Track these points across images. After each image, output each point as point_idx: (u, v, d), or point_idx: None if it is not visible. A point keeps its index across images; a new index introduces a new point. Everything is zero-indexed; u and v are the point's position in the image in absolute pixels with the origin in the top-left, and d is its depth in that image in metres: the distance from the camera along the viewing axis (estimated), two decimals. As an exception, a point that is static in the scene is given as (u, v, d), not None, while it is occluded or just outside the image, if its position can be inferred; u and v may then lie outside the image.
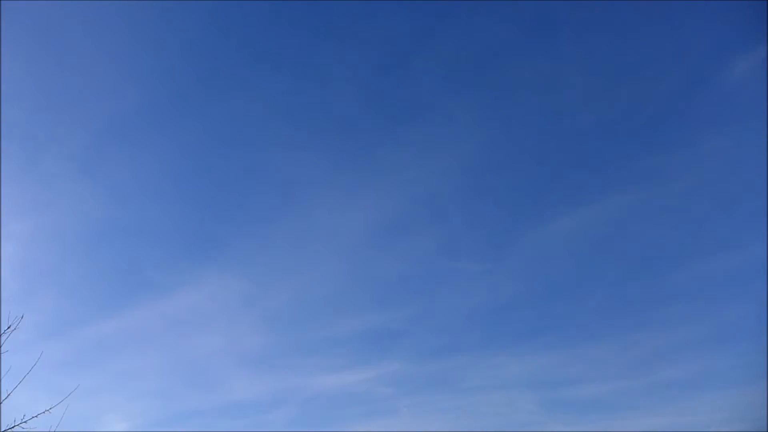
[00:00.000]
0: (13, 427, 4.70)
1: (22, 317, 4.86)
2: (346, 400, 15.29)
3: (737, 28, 14.66)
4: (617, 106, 15.52)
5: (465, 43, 16.63)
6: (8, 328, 4.79)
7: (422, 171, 17.52)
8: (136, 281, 16.65)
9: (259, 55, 17.94)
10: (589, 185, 15.67)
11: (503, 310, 16.44)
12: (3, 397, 4.51)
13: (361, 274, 17.18)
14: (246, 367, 16.40)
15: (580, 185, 15.87)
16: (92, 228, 16.54)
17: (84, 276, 17.11)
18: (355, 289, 17.14)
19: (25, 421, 4.69)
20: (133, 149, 17.71)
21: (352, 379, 16.05)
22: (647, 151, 14.99)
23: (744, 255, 13.04)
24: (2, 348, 4.73)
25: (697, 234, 14.29)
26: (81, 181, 17.00)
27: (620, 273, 15.17)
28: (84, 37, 16.00)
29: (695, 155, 14.22)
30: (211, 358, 16.64)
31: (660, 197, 14.87)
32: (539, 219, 16.09)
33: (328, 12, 17.18)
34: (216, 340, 16.89)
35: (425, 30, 16.93)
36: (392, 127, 17.68)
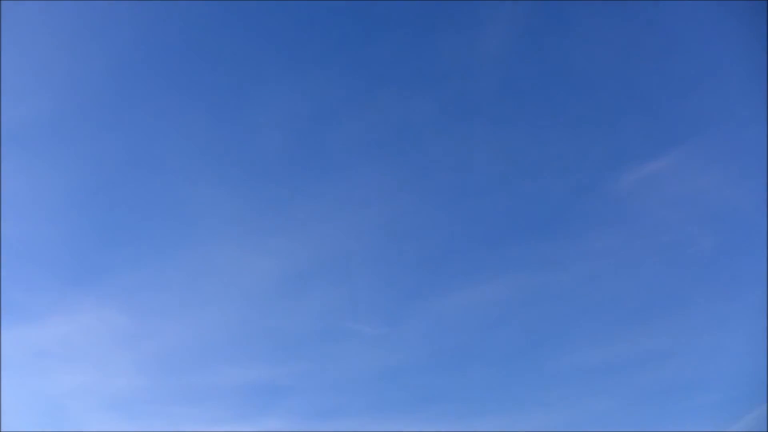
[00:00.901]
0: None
1: None
2: (217, 456, 14.47)
3: (634, 139, 15.43)
4: (522, 195, 16.21)
5: (393, 114, 16.94)
6: None
7: (335, 227, 17.20)
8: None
9: (189, 83, 17.38)
10: (490, 264, 16.04)
11: (395, 377, 16.10)
12: None
13: (257, 324, 16.46)
14: (113, 410, 15.20)
15: (482, 263, 16.18)
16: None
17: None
18: (249, 339, 16.35)
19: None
20: (30, 156, 16.60)
21: (227, 435, 15.16)
22: (546, 238, 15.70)
23: (620, 349, 13.98)
24: None
25: (584, 323, 14.91)
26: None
27: (511, 351, 15.41)
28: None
29: (589, 248, 14.92)
30: (74, 396, 15.37)
31: (554, 283, 15.47)
32: (440, 290, 16.11)
33: (265, 53, 16.99)
34: (82, 378, 15.65)
35: (359, 93, 17.07)
36: (313, 179, 17.38)
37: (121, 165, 16.62)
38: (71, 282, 16.12)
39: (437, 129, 16.73)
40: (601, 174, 15.75)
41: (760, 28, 12.63)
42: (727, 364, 13.05)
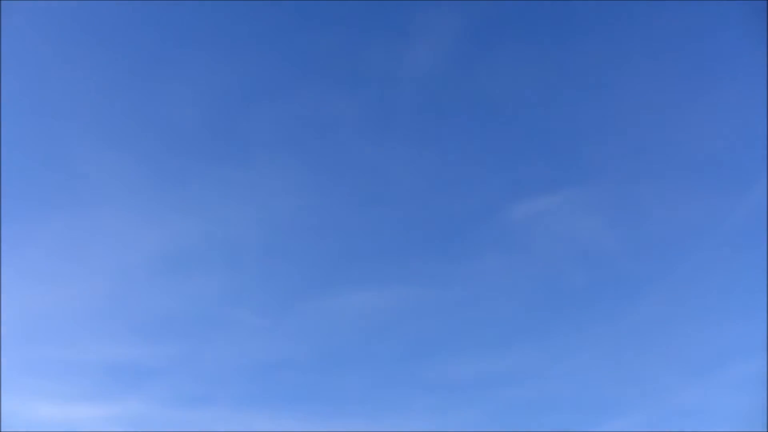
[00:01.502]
0: None
1: None
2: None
3: (534, 174, 16.48)
4: (425, 210, 16.84)
5: (315, 109, 16.92)
6: None
7: (236, 212, 16.79)
8: None
9: (115, 43, 16.50)
10: (383, 272, 16.43)
11: (274, 370, 15.89)
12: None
13: (132, 299, 15.59)
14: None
15: (375, 270, 16.51)
16: None
17: None
18: (121, 314, 15.45)
19: None
20: None
21: (83, 414, 14.16)
22: (439, 255, 16.38)
23: (490, 366, 14.92)
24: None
25: (462, 339, 15.65)
26: None
27: (388, 358, 15.79)
28: None
29: (476, 270, 15.73)
30: None
31: (439, 299, 16.11)
32: (330, 290, 16.20)
33: (196, 27, 16.44)
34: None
35: (284, 82, 16.95)
36: (222, 161, 16.89)
37: (17, 108, 15.23)
38: None
39: (356, 132, 16.92)
40: (498, 202, 16.70)
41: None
42: (585, 386, 14.28)
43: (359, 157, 16.82)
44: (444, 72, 16.63)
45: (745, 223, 14.47)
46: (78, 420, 13.58)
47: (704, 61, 15.62)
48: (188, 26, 16.68)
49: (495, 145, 16.81)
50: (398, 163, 16.74)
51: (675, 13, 15.33)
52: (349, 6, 16.20)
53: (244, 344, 15.60)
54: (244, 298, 16.06)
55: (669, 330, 14.42)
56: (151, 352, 15.07)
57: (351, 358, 15.91)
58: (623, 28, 15.99)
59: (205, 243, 16.44)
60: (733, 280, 14.60)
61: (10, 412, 12.92)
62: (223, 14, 16.31)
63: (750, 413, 11.97)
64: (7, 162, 15.02)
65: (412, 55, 16.47)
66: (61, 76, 16.03)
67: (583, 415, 13.52)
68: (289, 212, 16.78)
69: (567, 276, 15.79)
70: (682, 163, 15.79)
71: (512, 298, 15.77)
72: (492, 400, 14.44)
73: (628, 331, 14.46)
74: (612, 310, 14.88)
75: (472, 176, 16.55)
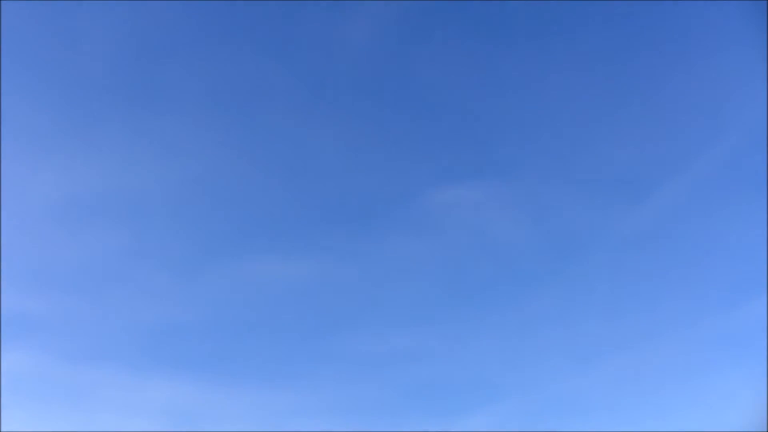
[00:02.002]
0: None
1: None
2: None
3: (455, 163, 16.87)
4: (348, 187, 17.00)
5: (242, 71, 16.73)
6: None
7: (142, 165, 16.07)
8: None
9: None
10: (300, 242, 16.45)
11: (174, 334, 15.47)
12: None
13: (23, 246, 14.69)
14: None
15: (293, 239, 16.48)
16: None
17: None
18: (9, 261, 14.47)
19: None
20: None
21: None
22: (358, 231, 16.64)
23: (396, 344, 15.33)
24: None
25: (370, 315, 15.96)
26: None
27: (295, 327, 15.91)
28: None
29: (391, 249, 16.05)
30: None
31: (354, 273, 16.36)
32: (241, 255, 16.06)
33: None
34: None
35: (211, 42, 16.39)
36: (134, 110, 16.06)
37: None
38: None
39: (282, 101, 16.58)
40: (417, 187, 17.03)
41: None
42: (480, 368, 15.00)
43: (282, 126, 16.57)
44: (380, 52, 16.65)
45: (641, 228, 15.66)
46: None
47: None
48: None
49: (421, 131, 17.08)
50: (322, 136, 16.65)
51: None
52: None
53: (144, 304, 15.04)
54: (148, 256, 15.46)
55: (561, 323, 15.39)
56: (42, 304, 14.23)
57: (254, 326, 15.76)
58: (575, 32, 16.62)
59: (111, 193, 15.60)
60: (625, 281, 15.78)
61: None
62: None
63: (627, 404, 13.07)
64: None
65: (351, 30, 16.35)
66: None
67: (474, 396, 14.23)
68: (203, 172, 16.27)
69: (474, 265, 16.42)
70: (593, 169, 16.76)
71: (419, 281, 16.23)
72: (392, 377, 14.85)
73: (524, 322, 15.30)
74: (512, 300, 15.67)
75: (395, 159, 16.76)
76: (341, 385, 14.62)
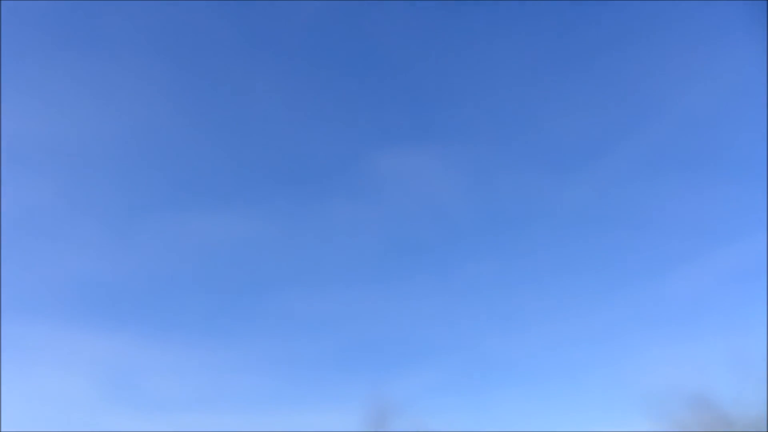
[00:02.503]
0: None
1: None
2: None
3: (401, 128, 16.75)
4: (292, 147, 16.75)
5: (191, 21, 16.17)
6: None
7: (80, 107, 15.59)
8: None
9: None
10: (235, 201, 16.05)
11: (105, 288, 15.05)
12: None
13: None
14: None
15: (228, 197, 16.16)
16: None
17: None
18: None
19: None
20: None
21: None
22: (301, 191, 16.44)
23: (332, 305, 15.22)
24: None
25: (306, 274, 15.88)
26: None
27: (234, 285, 15.67)
28: None
29: (333, 211, 15.98)
30: None
31: (290, 234, 16.14)
32: (179, 212, 15.82)
33: None
34: None
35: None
36: (79, 53, 15.39)
37: None
38: None
39: (230, 59, 16.03)
40: (360, 149, 16.91)
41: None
42: (414, 328, 15.17)
43: (226, 86, 16.12)
44: (326, 16, 16.33)
45: (581, 203, 15.95)
46: None
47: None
48: None
49: (365, 95, 16.91)
50: (267, 98, 16.30)
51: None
52: None
53: (75, 257, 14.60)
54: (82, 207, 14.96)
55: (498, 287, 15.64)
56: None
57: (191, 282, 15.55)
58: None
59: (40, 141, 14.95)
60: (563, 249, 16.09)
61: None
62: None
63: (559, 369, 13.41)
64: None
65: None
66: None
67: (409, 354, 14.39)
68: (146, 121, 15.75)
69: (414, 228, 16.52)
70: (536, 137, 16.92)
71: (359, 242, 16.25)
72: (329, 334, 14.89)
73: (462, 285, 15.50)
74: (451, 264, 15.84)
75: (338, 121, 16.59)
76: (278, 342, 14.60)
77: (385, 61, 16.69)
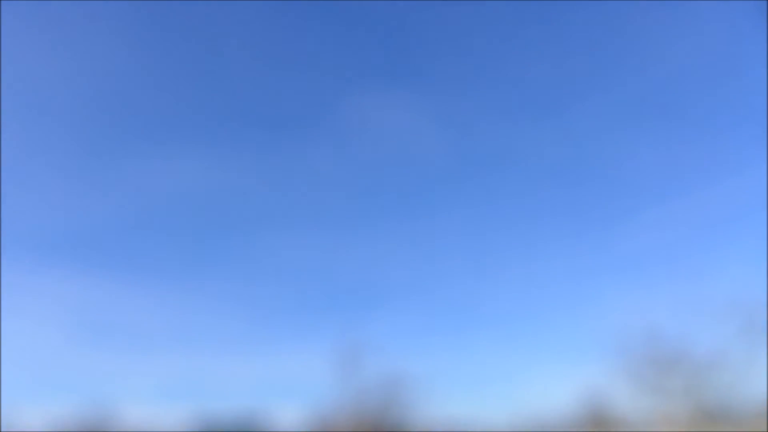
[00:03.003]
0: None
1: None
2: None
3: (370, 72, 16.54)
4: (256, 92, 16.42)
5: None
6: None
7: (42, 47, 14.92)
8: None
9: None
10: (209, 144, 15.95)
11: (73, 233, 14.99)
12: None
13: None
14: None
15: (201, 140, 16.02)
16: None
17: None
18: None
19: None
20: None
21: None
22: (276, 136, 16.29)
23: (304, 245, 15.03)
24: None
25: (278, 218, 15.95)
26: None
27: (204, 227, 15.71)
28: None
29: (302, 156, 15.94)
30: None
31: (262, 179, 16.12)
32: (149, 153, 15.61)
33: None
34: None
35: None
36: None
37: None
38: None
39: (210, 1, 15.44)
40: (336, 95, 16.67)
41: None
42: (382, 271, 15.46)
43: (203, 24, 15.59)
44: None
45: (553, 150, 16.17)
46: None
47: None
48: None
49: (344, 40, 16.54)
50: (244, 39, 15.79)
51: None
52: None
53: (39, 202, 14.39)
54: (45, 150, 14.63)
55: (467, 232, 15.98)
56: None
57: (162, 226, 15.56)
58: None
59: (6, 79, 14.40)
60: (533, 195, 16.41)
61: None
62: None
63: (521, 309, 13.90)
64: None
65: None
66: None
67: (378, 296, 14.79)
68: (115, 59, 15.24)
69: (385, 173, 16.63)
70: (509, 85, 16.91)
71: (330, 188, 16.33)
72: (300, 277, 15.19)
73: (431, 230, 15.80)
74: (420, 209, 16.09)
75: (315, 66, 16.27)
76: (252, 285, 14.82)
77: (361, 8, 16.30)
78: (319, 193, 16.34)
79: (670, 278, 11.42)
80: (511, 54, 16.83)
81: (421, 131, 16.77)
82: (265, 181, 16.09)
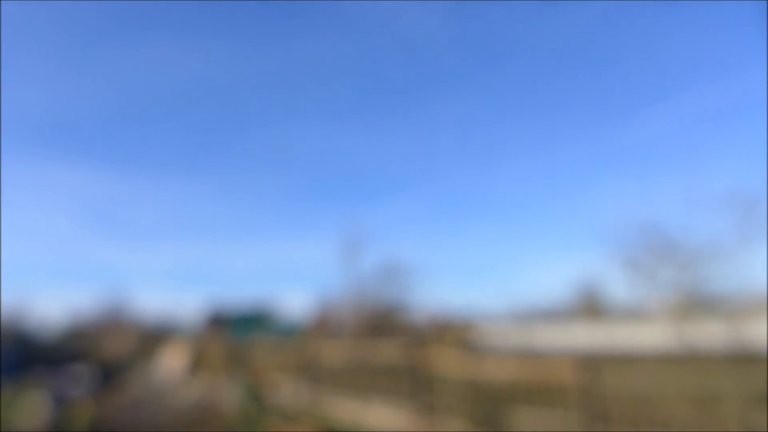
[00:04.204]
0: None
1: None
2: None
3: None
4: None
5: None
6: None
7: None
8: None
9: None
10: (208, 33, 15.39)
11: (72, 123, 14.95)
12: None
13: None
14: None
15: (199, 27, 15.43)
16: None
17: None
18: None
19: None
20: None
21: None
22: (269, 31, 15.54)
23: (311, 136, 15.49)
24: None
25: (274, 106, 15.77)
26: None
27: (207, 119, 15.63)
28: None
29: (305, 47, 15.32)
30: None
31: (264, 71, 15.74)
32: (147, 39, 15.04)
33: None
34: None
35: None
36: None
37: None
38: None
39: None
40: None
41: None
42: (388, 162, 15.34)
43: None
44: None
45: (563, 39, 15.26)
46: None
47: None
48: None
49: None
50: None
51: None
52: None
53: (37, 91, 14.26)
54: (39, 39, 14.26)
55: (471, 124, 15.59)
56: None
57: (164, 117, 15.51)
58: None
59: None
60: (538, 86, 15.79)
61: None
62: None
63: (521, 199, 13.78)
64: None
65: None
66: None
67: (381, 187, 14.86)
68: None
69: (389, 64, 16.03)
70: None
71: (333, 79, 15.88)
72: (304, 167, 15.22)
73: (435, 121, 15.45)
74: (424, 100, 15.65)
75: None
76: (255, 174, 14.91)
77: None
78: (322, 83, 15.90)
79: (670, 170, 11.14)
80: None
81: (424, 18, 15.95)
82: (268, 71, 15.66)
